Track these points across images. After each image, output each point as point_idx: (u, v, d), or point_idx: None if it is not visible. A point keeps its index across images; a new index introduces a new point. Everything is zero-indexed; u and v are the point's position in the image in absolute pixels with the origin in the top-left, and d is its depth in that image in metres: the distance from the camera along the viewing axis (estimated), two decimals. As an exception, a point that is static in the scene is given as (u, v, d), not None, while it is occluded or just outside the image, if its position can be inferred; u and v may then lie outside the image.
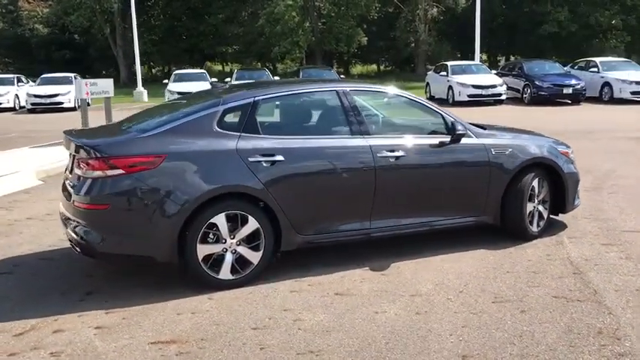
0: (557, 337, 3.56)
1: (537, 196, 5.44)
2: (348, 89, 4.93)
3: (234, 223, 4.35)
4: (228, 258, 4.38)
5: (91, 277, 4.73)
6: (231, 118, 4.51)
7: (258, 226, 4.40)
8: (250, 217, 4.37)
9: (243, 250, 4.42)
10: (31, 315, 4.00)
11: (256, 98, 4.61)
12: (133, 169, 4.10)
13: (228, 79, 23.00)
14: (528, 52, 40.93)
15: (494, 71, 22.34)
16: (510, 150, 5.27)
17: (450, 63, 22.74)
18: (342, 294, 4.28)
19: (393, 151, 4.80)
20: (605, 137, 12.52)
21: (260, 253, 4.46)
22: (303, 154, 4.56)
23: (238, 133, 4.45)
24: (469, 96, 19.90)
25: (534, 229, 5.44)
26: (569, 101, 20.68)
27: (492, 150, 5.20)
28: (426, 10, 38.49)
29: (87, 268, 4.89)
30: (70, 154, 4.72)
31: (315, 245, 4.73)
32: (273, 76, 23.48)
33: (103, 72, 44.33)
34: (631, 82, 19.83)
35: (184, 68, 32.38)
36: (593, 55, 34.64)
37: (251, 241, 4.43)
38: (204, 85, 22.08)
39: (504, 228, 5.38)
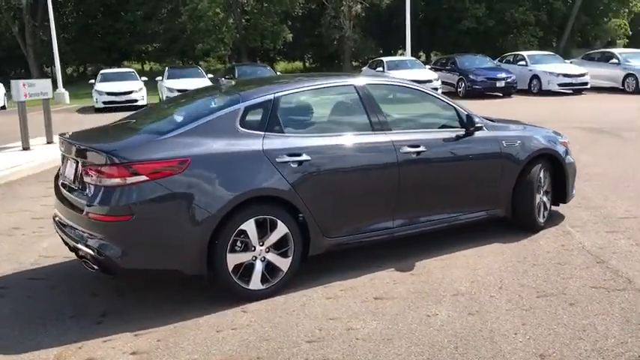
0: (620, 329, 3.52)
1: (542, 187, 5.45)
2: (364, 83, 4.73)
3: (263, 228, 4.05)
4: (258, 266, 4.07)
5: (97, 296, 4.27)
6: (253, 116, 4.19)
7: (287, 230, 4.12)
8: (279, 222, 4.08)
9: (272, 258, 4.12)
10: (48, 343, 3.54)
11: (277, 94, 4.31)
12: (156, 175, 3.71)
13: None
14: (449, 47, 42.09)
15: (428, 66, 22.76)
16: (519, 142, 5.25)
17: (385, 59, 22.96)
18: (381, 298, 4.07)
19: (414, 146, 4.64)
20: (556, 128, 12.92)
21: (289, 260, 4.18)
22: (328, 153, 4.31)
23: (262, 132, 4.14)
24: (407, 91, 20.08)
25: (541, 220, 5.46)
26: (501, 94, 21.36)
27: (504, 142, 5.15)
28: (350, 6, 38.70)
29: (87, 286, 4.43)
30: (68, 158, 4.25)
31: (342, 248, 4.50)
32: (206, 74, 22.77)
33: (13, 72, 41.58)
34: (558, 75, 20.77)
35: (107, 67, 30.88)
36: (509, 50, 36.20)
37: (280, 247, 4.14)
38: (136, 84, 21.19)
39: (515, 220, 5.36)
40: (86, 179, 3.86)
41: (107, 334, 3.63)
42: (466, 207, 5.05)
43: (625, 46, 42.79)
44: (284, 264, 4.16)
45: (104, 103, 20.43)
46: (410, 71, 21.05)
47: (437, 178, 4.83)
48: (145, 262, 3.79)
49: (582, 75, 20.75)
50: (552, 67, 21.19)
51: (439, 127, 5.07)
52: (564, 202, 5.77)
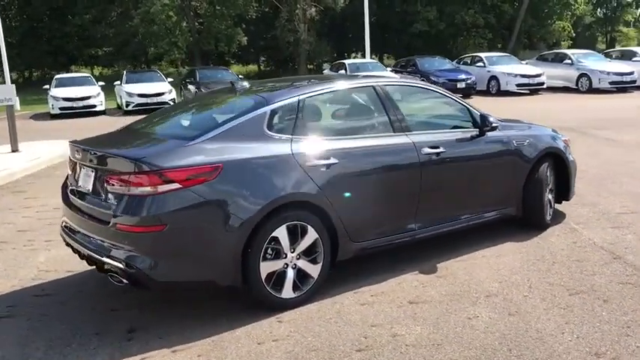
0: (662, 323, 3.57)
1: (548, 185, 5.51)
2: (383, 84, 4.67)
3: (294, 235, 3.92)
4: (290, 274, 3.94)
5: (116, 312, 4.05)
6: (279, 119, 4.06)
7: (317, 236, 4.01)
8: (310, 228, 3.97)
9: (303, 264, 4.00)
10: (80, 364, 3.32)
11: (301, 97, 4.20)
12: (190, 183, 3.54)
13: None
14: (401, 50, 42.65)
15: (389, 68, 22.95)
16: (528, 141, 5.29)
17: (347, 61, 23.06)
18: (416, 302, 4.01)
19: (434, 147, 4.60)
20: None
21: (319, 266, 4.07)
22: (354, 155, 4.22)
23: (290, 136, 4.01)
24: (370, 93, 20.17)
25: (548, 217, 5.51)
26: (461, 95, 21.65)
27: (514, 141, 5.18)
28: (304, 9, 38.69)
29: (101, 301, 4.20)
30: (82, 166, 4.03)
31: (368, 253, 4.41)
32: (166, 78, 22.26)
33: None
34: (516, 75, 21.30)
35: (54, 72, 29.83)
36: (460, 52, 36.95)
37: (310, 253, 4.03)
38: (93, 89, 20.51)
39: (525, 219, 5.39)
40: (110, 188, 3.65)
41: (142, 352, 3.44)
42: (482, 207, 5.05)
43: (569, 48, 44.36)
44: (314, 270, 4.05)
45: (60, 109, 19.69)
46: (372, 74, 21.15)
47: (455, 178, 4.81)
48: (178, 273, 3.61)
49: (539, 75, 21.33)
50: (510, 68, 21.71)
51: (453, 128, 5.06)
52: (567, 200, 5.85)
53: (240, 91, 4.53)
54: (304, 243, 3.97)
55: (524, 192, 5.28)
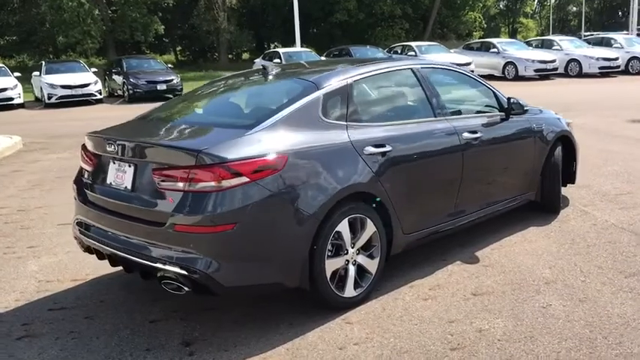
0: None
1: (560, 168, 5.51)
2: (419, 66, 4.45)
3: (354, 229, 3.64)
4: (351, 271, 3.66)
5: (156, 323, 3.60)
6: (332, 104, 3.73)
7: (375, 229, 3.74)
8: (368, 220, 3.70)
9: (362, 260, 3.73)
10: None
11: (348, 80, 3.89)
12: (257, 176, 3.16)
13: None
14: (322, 40, 42.68)
15: (322, 58, 22.75)
16: (544, 124, 5.25)
17: (281, 50, 22.67)
18: (479, 294, 3.83)
19: (472, 132, 4.45)
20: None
21: (377, 261, 3.80)
22: (405, 142, 3.98)
23: (344, 122, 3.71)
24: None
25: (560, 201, 5.52)
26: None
27: (534, 125, 5.13)
28: (223, -3, 37.81)
29: (132, 312, 3.74)
30: (110, 159, 3.55)
31: (416, 245, 4.19)
32: (90, 68, 20.91)
33: None
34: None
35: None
36: (379, 42, 37.46)
37: (368, 248, 3.76)
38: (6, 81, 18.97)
39: (543, 203, 5.36)
40: (162, 184, 3.20)
41: (214, 367, 3.05)
42: (510, 192, 4.96)
43: (480, 38, 46.06)
44: (372, 266, 3.78)
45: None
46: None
47: (491, 163, 4.69)
48: (246, 276, 3.23)
49: (468, 64, 21.89)
50: (440, 57, 22.09)
51: (481, 111, 4.92)
52: (572, 183, 5.88)
53: (272, 73, 4.15)
54: (364, 237, 3.70)
55: (541, 176, 5.25)
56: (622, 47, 23.66)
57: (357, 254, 3.69)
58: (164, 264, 3.16)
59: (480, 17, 49.61)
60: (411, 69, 4.38)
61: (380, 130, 3.87)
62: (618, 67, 22.60)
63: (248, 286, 3.27)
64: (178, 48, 45.74)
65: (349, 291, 3.64)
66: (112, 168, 3.56)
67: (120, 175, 3.48)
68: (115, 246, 3.42)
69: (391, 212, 3.82)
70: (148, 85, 19.19)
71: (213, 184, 3.07)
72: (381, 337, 3.31)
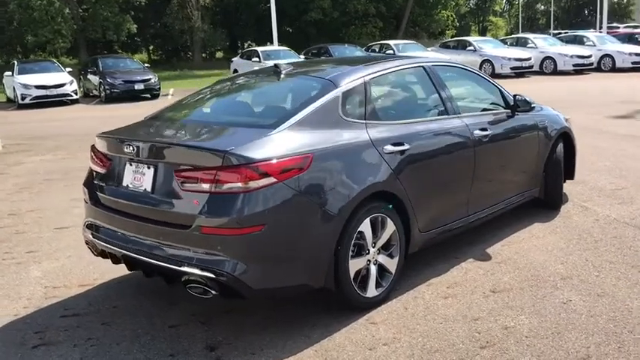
0: None
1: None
2: (431, 64, 4.44)
3: (375, 228, 3.61)
4: (373, 271, 3.64)
5: (176, 327, 3.52)
6: (350, 102, 3.70)
7: (395, 228, 3.73)
8: (388, 220, 3.67)
9: (382, 260, 3.71)
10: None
11: (365, 78, 3.85)
12: (285, 176, 3.11)
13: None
14: (297, 38, 42.53)
15: (301, 56, 22.68)
16: (547, 121, 5.30)
17: (259, 49, 22.56)
18: (498, 291, 3.84)
19: (483, 129, 4.46)
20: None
21: (396, 260, 3.79)
22: (423, 140, 3.97)
23: (363, 121, 3.68)
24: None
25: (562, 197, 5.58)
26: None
27: (539, 122, 5.17)
28: (197, -4, 37.40)
29: (149, 317, 3.65)
30: (128, 160, 3.46)
31: (430, 244, 4.18)
32: (65, 68, 20.48)
33: None
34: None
35: None
36: (352, 40, 37.55)
37: (387, 247, 3.74)
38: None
39: (546, 200, 5.40)
40: (186, 186, 3.13)
41: (245, 372, 3.00)
42: (517, 189, 4.99)
43: (452, 36, 46.51)
44: (392, 265, 3.77)
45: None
46: (287, 61, 20.82)
47: (499, 160, 4.72)
48: (275, 278, 3.17)
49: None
50: (418, 55, 22.23)
51: (488, 108, 4.93)
52: (571, 179, 5.94)
53: (285, 72, 4.10)
54: (384, 236, 3.67)
55: (544, 173, 5.29)
56: (594, 45, 24.10)
57: (378, 254, 3.67)
58: (190, 267, 3.09)
59: (452, 16, 50.08)
60: (423, 67, 4.37)
61: (397, 128, 3.85)
62: (592, 64, 23.01)
63: (276, 289, 3.22)
64: (151, 47, 45.16)
65: (371, 291, 3.61)
66: (129, 170, 3.47)
67: (138, 177, 3.40)
68: (136, 250, 3.33)
69: (409, 211, 3.81)
70: (126, 84, 18.88)
71: (240, 185, 3.01)
72: (409, 337, 3.29)
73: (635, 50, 23.27)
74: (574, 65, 22.75)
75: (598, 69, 23.40)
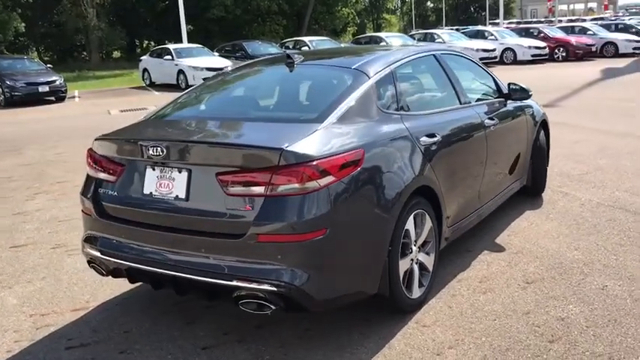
0: None
1: (542, 152, 5.62)
2: (440, 52, 4.30)
3: (416, 225, 3.41)
4: (416, 270, 3.43)
5: (209, 350, 3.13)
6: (383, 92, 3.47)
7: (431, 224, 3.54)
8: (427, 216, 3.49)
9: (422, 258, 3.51)
10: None
11: (392, 67, 3.63)
12: (343, 173, 2.84)
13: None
14: (198, 35, 41.42)
15: (216, 53, 21.98)
16: (532, 110, 5.33)
17: (172, 46, 21.54)
18: (531, 282, 3.76)
19: (491, 119, 4.38)
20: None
21: (432, 257, 3.61)
22: (449, 130, 3.81)
23: (398, 112, 3.46)
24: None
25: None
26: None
27: (526, 110, 5.19)
28: (91, -8, 35.38)
29: (168, 341, 3.24)
30: (152, 164, 3.03)
31: (452, 239, 4.02)
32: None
33: None
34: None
35: None
36: (256, 38, 37.15)
37: (425, 244, 3.55)
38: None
39: (532, 187, 5.44)
40: (233, 190, 2.77)
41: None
42: (512, 177, 4.97)
43: (354, 34, 47.27)
44: (430, 263, 3.58)
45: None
46: (207, 59, 20.18)
47: (502, 148, 4.66)
48: (338, 286, 2.89)
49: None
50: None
51: (485, 97, 4.87)
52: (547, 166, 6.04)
53: (298, 60, 3.78)
54: (424, 233, 3.48)
55: (531, 159, 5.32)
56: (496, 39, 25.27)
57: (419, 252, 3.47)
58: (243, 281, 2.73)
59: (353, 13, 50.85)
60: (434, 55, 4.21)
61: (427, 119, 3.67)
62: (496, 57, 24.10)
63: (337, 298, 2.93)
64: (41, 47, 42.21)
65: (416, 291, 3.41)
66: (151, 175, 3.03)
67: (165, 183, 2.98)
68: (168, 266, 2.92)
69: (442, 205, 3.64)
70: (28, 87, 17.42)
71: (298, 185, 2.70)
72: (471, 338, 3.11)
73: (533, 44, 24.67)
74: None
75: (501, 62, 24.55)
